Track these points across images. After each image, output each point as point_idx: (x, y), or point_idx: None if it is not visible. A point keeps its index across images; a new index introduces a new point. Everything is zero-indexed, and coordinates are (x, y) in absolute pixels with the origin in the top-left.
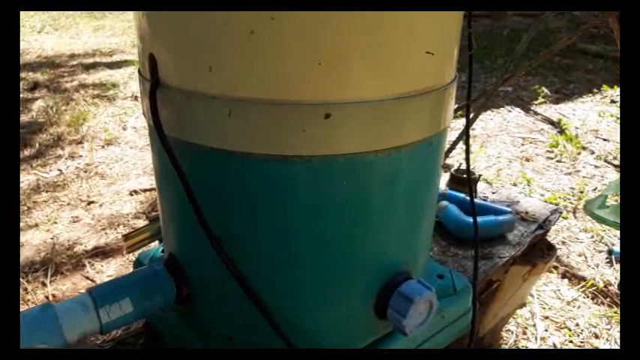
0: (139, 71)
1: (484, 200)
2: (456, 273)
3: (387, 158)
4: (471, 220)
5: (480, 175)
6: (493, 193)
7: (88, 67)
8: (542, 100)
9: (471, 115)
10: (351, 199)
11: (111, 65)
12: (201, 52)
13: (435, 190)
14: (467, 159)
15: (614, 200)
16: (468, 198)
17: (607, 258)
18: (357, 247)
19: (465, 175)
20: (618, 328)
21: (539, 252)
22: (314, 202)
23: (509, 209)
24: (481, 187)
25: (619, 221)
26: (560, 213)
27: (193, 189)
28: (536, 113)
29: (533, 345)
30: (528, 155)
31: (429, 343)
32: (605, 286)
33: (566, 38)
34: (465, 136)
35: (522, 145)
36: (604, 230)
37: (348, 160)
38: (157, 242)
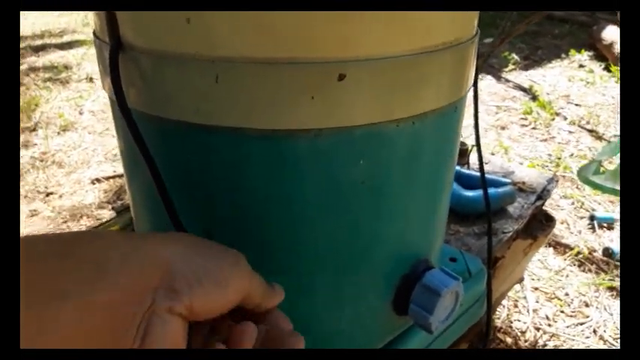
0: (94, 33)
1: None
2: (468, 255)
3: (410, 128)
4: (470, 194)
5: (472, 146)
6: (486, 163)
7: (37, 49)
8: (513, 67)
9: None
10: (368, 180)
11: (62, 46)
12: None
13: (454, 163)
14: (476, 125)
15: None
16: (465, 171)
17: (589, 224)
18: (375, 235)
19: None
20: (606, 295)
21: (538, 224)
22: (324, 185)
23: (507, 180)
24: (473, 158)
25: (617, 187)
26: (557, 181)
27: (171, 175)
28: (507, 80)
29: (525, 317)
30: (503, 123)
31: (447, 332)
32: (590, 253)
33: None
34: (474, 101)
35: (497, 113)
36: (584, 196)
37: (366, 132)
38: None
